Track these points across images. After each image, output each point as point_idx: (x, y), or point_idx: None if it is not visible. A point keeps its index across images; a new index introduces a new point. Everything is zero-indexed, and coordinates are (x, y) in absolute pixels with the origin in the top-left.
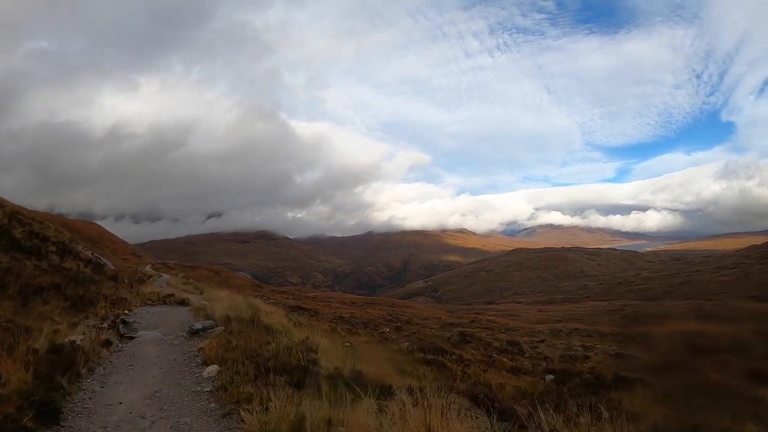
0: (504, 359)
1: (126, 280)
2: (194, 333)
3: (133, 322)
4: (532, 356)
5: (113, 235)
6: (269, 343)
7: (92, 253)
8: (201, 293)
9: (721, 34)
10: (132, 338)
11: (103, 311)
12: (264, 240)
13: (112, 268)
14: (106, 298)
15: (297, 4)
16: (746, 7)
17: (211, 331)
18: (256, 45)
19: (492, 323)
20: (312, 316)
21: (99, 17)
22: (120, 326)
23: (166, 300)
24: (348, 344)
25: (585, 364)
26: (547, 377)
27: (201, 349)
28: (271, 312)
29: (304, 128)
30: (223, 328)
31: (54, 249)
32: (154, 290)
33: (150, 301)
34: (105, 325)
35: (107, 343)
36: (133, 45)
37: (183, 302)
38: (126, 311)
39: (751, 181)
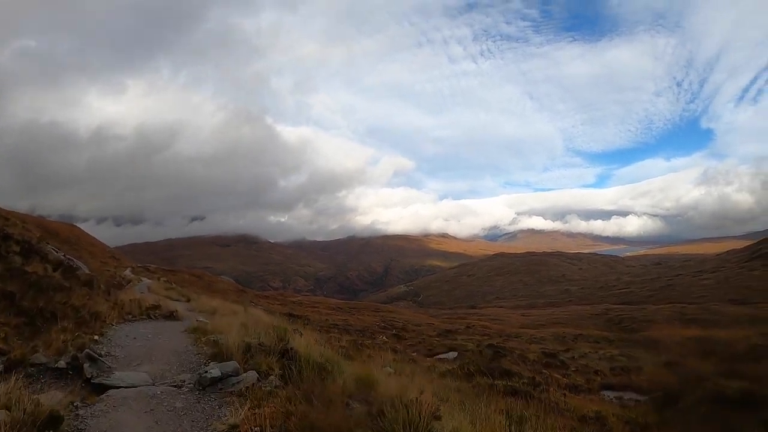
0: (556, 375)
1: (102, 286)
2: (208, 384)
3: (105, 356)
4: (578, 369)
5: (92, 237)
6: (349, 403)
7: (64, 255)
8: (188, 300)
9: (702, 43)
10: (104, 389)
11: (63, 338)
12: (245, 244)
13: (87, 272)
14: (76, 311)
15: (287, 8)
16: (727, 16)
17: (236, 380)
18: (245, 48)
19: (487, 329)
20: (306, 324)
21: (89, 17)
22: (85, 365)
23: (150, 313)
24: (389, 368)
25: (641, 376)
26: (604, 394)
27: (235, 429)
28: (288, 327)
29: (289, 132)
30: (256, 375)
31: (17, 249)
32: (135, 297)
33: (130, 315)
34: (62, 363)
35: (53, 423)
36: (122, 46)
37: (171, 315)
38: (96, 336)
39: (729, 186)
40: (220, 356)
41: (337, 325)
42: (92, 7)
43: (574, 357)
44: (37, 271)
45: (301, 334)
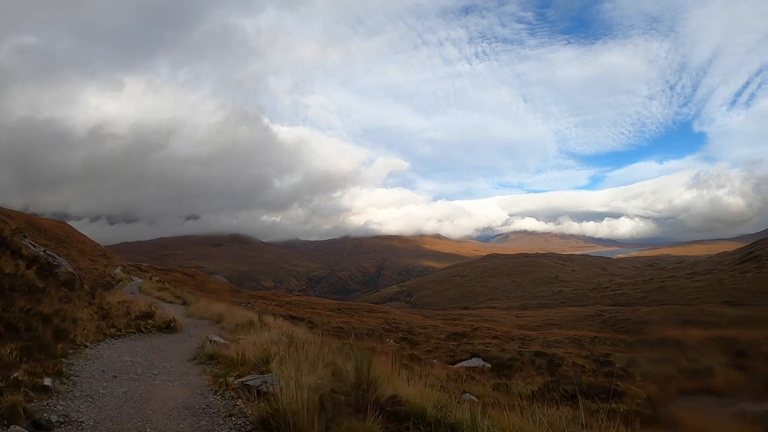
0: (633, 387)
1: (86, 287)
2: None
3: (59, 426)
4: (644, 377)
5: (83, 235)
6: None
7: (44, 251)
8: (183, 303)
9: (696, 47)
10: None
11: None
12: (237, 243)
13: (69, 270)
14: (44, 320)
15: (286, 9)
16: (720, 21)
17: None
18: (244, 49)
19: (493, 331)
20: (310, 327)
21: (88, 14)
22: None
23: (141, 324)
24: (471, 396)
25: (716, 380)
26: (683, 401)
27: None
28: (370, 356)
29: (285, 133)
30: None
31: None
32: (124, 299)
33: (114, 329)
34: None
35: None
36: (121, 44)
37: (169, 327)
38: (47, 379)
39: (721, 189)
40: (279, 426)
41: (342, 327)
42: (92, 4)
43: (628, 363)
44: (2, 269)
45: (369, 361)
